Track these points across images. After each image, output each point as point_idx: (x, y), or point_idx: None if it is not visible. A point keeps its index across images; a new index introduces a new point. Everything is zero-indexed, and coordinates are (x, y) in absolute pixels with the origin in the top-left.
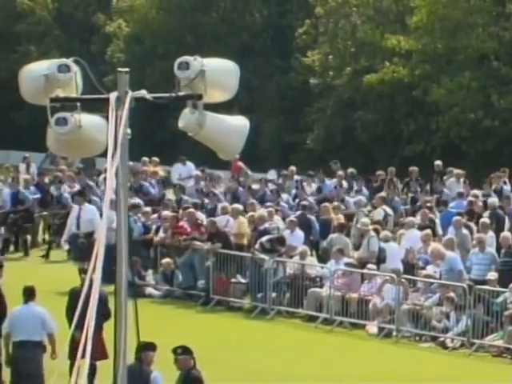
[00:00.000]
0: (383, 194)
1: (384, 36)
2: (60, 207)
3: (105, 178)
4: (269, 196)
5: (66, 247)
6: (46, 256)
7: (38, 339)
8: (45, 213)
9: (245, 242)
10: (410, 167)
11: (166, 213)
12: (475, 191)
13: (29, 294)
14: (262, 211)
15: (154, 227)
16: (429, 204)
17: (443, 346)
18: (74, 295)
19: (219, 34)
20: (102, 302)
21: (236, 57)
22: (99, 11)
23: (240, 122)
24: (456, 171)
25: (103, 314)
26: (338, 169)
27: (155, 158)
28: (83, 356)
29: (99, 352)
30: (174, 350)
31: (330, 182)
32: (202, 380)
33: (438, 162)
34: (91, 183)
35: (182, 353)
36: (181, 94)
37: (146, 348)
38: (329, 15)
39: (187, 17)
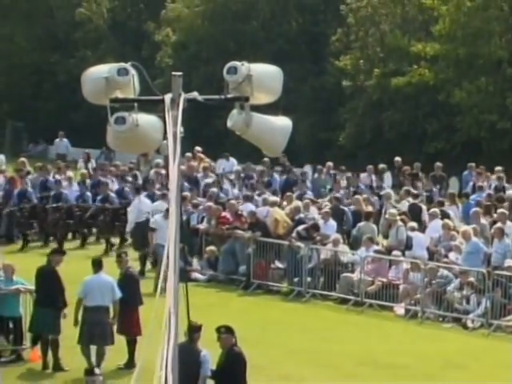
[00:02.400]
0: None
1: (410, 42)
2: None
3: (156, 172)
4: (225, 190)
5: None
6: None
7: (108, 304)
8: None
9: (280, 231)
10: (435, 163)
11: (210, 204)
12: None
13: (97, 264)
14: (297, 202)
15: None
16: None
17: (464, 326)
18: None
19: (258, 40)
20: (137, 284)
21: (273, 61)
22: (149, 20)
23: (283, 122)
24: (497, 169)
25: (139, 296)
26: (285, 162)
27: (200, 154)
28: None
29: (136, 328)
30: (218, 329)
31: (280, 177)
32: (244, 355)
33: (398, 159)
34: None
35: (225, 332)
36: (229, 96)
37: (197, 329)
38: (360, 24)
39: (229, 25)
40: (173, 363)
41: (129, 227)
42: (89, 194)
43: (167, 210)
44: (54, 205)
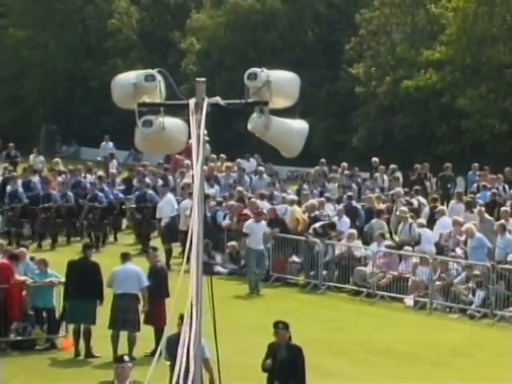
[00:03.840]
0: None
1: (419, 51)
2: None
3: (181, 172)
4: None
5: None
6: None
7: (135, 292)
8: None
9: (298, 227)
10: (444, 164)
11: (233, 202)
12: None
13: (125, 256)
14: (312, 201)
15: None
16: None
17: (470, 316)
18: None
19: (277, 48)
20: (166, 278)
21: (291, 68)
22: (175, 30)
23: (300, 125)
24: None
25: (166, 289)
26: (259, 162)
27: (223, 155)
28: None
29: (163, 319)
30: (276, 324)
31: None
32: (303, 350)
33: (375, 159)
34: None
35: (283, 327)
36: (250, 100)
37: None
38: (372, 34)
39: (250, 34)
40: (196, 353)
41: (164, 222)
42: (71, 193)
43: (257, 214)
44: (46, 205)
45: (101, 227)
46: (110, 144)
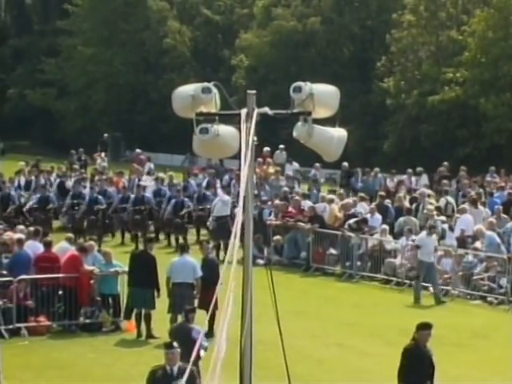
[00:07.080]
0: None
1: (441, 69)
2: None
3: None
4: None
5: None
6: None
7: (191, 281)
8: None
9: (336, 224)
10: (460, 167)
11: (278, 201)
12: None
13: (182, 248)
14: (348, 200)
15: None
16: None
17: (488, 302)
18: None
19: (316, 64)
20: (217, 267)
21: (328, 82)
22: (226, 48)
23: (340, 133)
24: None
25: (218, 277)
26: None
27: (270, 160)
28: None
29: (215, 305)
30: (428, 326)
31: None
32: None
33: (345, 164)
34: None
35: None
36: (295, 111)
37: (191, 311)
38: (401, 52)
39: (292, 52)
40: (246, 339)
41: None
42: (52, 195)
43: (430, 228)
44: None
45: (103, 228)
46: None
